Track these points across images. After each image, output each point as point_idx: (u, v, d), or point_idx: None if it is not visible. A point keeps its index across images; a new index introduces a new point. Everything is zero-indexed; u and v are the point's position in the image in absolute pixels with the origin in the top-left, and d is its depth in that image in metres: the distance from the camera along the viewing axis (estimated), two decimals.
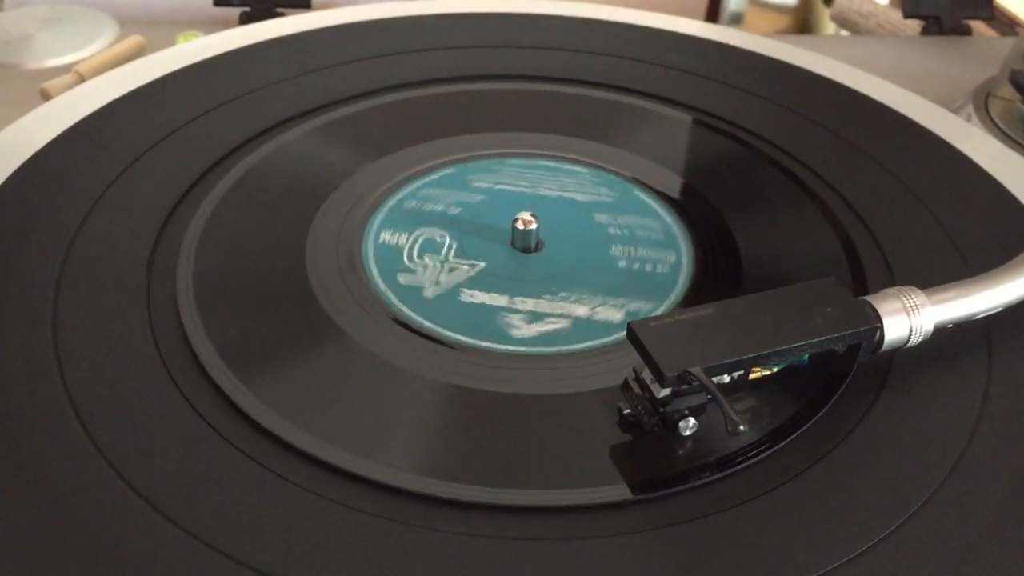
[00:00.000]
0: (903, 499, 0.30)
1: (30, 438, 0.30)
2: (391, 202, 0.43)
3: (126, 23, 0.68)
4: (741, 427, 0.28)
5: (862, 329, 0.32)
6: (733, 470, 0.30)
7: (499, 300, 0.38)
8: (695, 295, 0.39)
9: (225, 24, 0.70)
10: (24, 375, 0.32)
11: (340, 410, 0.33)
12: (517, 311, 0.37)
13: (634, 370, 0.32)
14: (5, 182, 0.42)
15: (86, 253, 0.38)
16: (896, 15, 0.80)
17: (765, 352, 0.30)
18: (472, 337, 0.36)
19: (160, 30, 0.66)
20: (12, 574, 0.26)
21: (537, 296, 0.38)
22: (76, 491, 0.28)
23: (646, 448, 0.31)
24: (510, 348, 0.36)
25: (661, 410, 0.31)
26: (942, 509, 0.29)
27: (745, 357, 0.30)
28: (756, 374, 0.32)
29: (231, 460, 0.30)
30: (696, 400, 0.31)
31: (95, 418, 0.31)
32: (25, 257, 0.38)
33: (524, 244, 0.40)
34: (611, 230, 0.42)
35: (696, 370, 0.29)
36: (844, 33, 0.88)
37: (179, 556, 0.27)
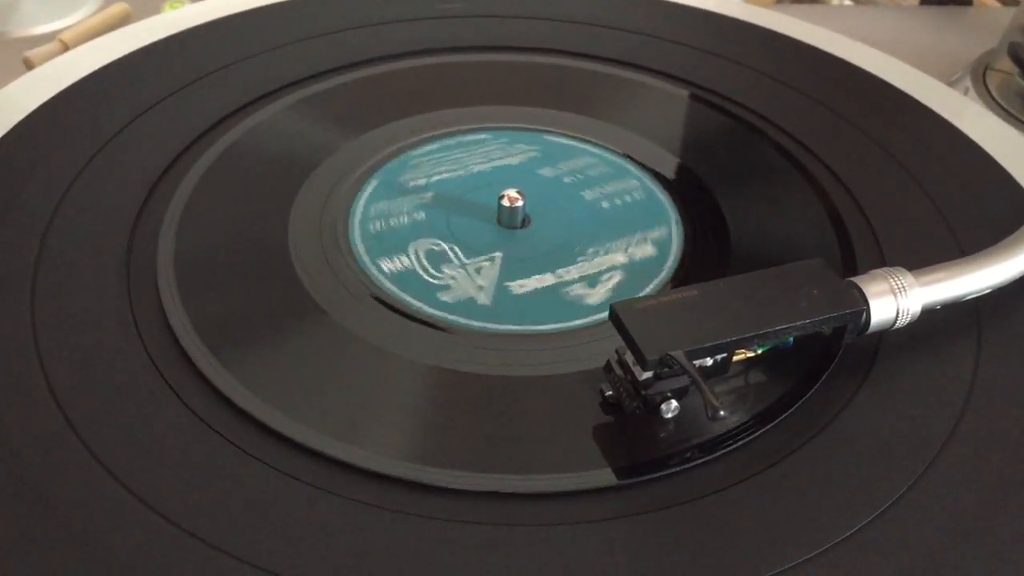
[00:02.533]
0: (889, 483, 0.30)
1: (3, 415, 0.30)
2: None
3: None
4: (721, 412, 0.28)
5: (848, 312, 0.31)
6: (717, 454, 0.30)
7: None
8: (684, 273, 0.38)
9: None
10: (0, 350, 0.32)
11: (319, 391, 0.32)
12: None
13: (616, 352, 0.31)
14: None
15: (66, 227, 0.38)
16: None
17: (749, 335, 0.30)
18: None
19: None
20: None
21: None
22: (48, 471, 0.28)
23: (628, 431, 0.31)
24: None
25: (643, 393, 0.30)
26: (928, 493, 0.29)
27: (728, 340, 0.30)
28: (740, 356, 0.32)
29: (207, 441, 0.30)
30: (679, 383, 0.30)
31: (70, 396, 0.31)
32: (5, 229, 0.37)
33: (510, 221, 0.40)
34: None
35: (677, 354, 0.29)
36: (847, 1, 0.87)
37: (152, 539, 0.27)
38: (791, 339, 0.32)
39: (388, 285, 0.37)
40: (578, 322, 0.36)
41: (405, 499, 0.29)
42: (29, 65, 0.54)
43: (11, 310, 0.34)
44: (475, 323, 0.35)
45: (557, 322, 0.36)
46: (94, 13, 0.62)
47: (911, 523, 0.28)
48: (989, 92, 0.55)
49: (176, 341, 0.33)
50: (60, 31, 0.59)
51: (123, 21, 0.60)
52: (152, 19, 0.53)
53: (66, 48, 0.56)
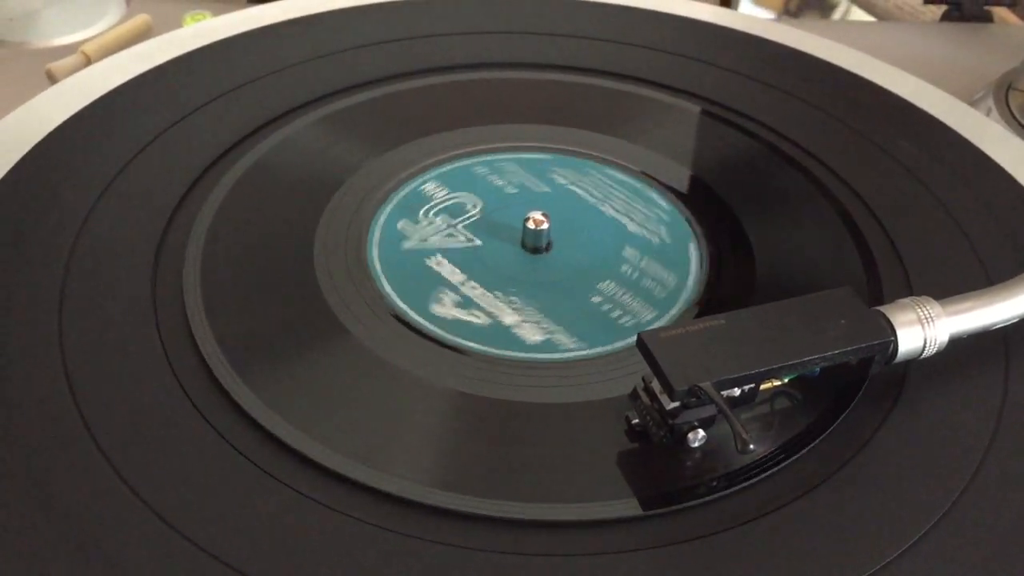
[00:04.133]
0: (918, 514, 0.29)
1: (32, 430, 0.30)
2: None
3: None
4: (751, 446, 0.28)
5: (876, 342, 0.31)
6: (744, 485, 0.30)
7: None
8: (707, 298, 0.38)
9: (232, 0, 0.69)
10: (28, 365, 0.32)
11: (341, 412, 0.32)
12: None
13: (643, 379, 0.31)
14: (14, 167, 0.41)
15: (93, 243, 0.38)
16: None
17: (777, 366, 0.30)
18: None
19: (166, 6, 0.65)
20: (5, 566, 0.26)
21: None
22: (73, 485, 0.29)
23: (655, 460, 0.31)
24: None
25: (670, 421, 0.30)
26: (957, 525, 0.29)
27: (756, 371, 0.30)
28: (767, 385, 0.32)
29: (229, 459, 0.30)
30: (706, 412, 0.30)
31: (95, 410, 0.31)
32: (34, 244, 0.37)
33: (535, 244, 0.40)
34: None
35: (706, 386, 0.28)
36: (862, 14, 0.87)
37: (170, 555, 0.27)
38: (817, 369, 0.32)
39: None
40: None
41: (424, 524, 0.29)
42: (52, 78, 0.54)
43: (39, 325, 0.34)
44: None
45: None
46: (116, 24, 0.63)
47: (942, 554, 0.28)
48: (1011, 112, 0.55)
49: (200, 356, 0.33)
50: (82, 42, 0.59)
51: (145, 33, 0.61)
52: (174, 33, 0.53)
53: (89, 60, 0.56)
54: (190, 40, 0.52)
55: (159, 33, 0.54)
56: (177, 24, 0.62)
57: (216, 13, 0.61)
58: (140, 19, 0.61)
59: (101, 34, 0.60)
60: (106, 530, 0.27)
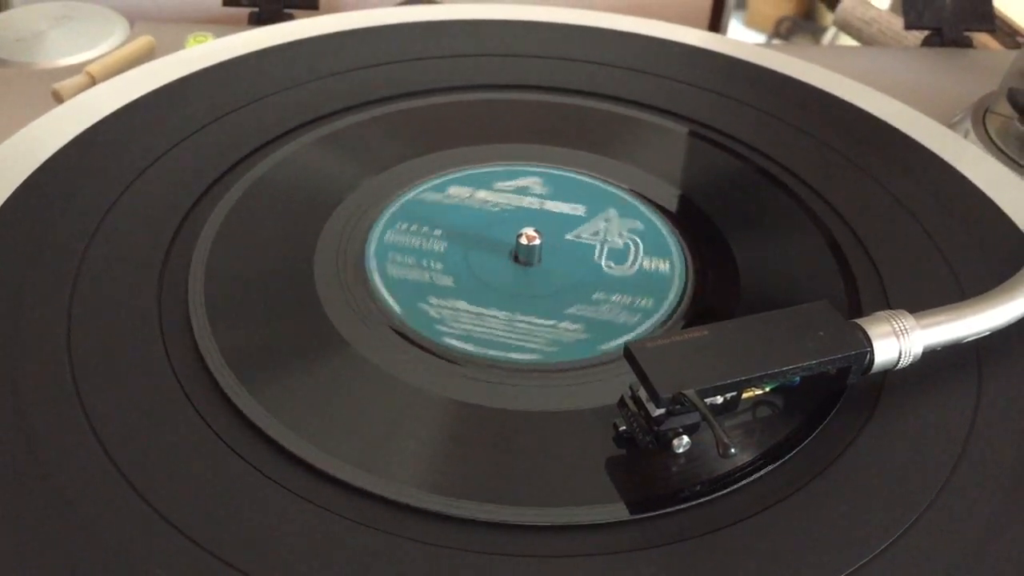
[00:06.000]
0: (894, 518, 0.31)
1: (41, 439, 0.31)
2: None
3: (135, 20, 0.68)
4: (732, 450, 0.29)
5: (852, 353, 0.33)
6: (726, 490, 0.31)
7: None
8: (692, 313, 0.40)
9: (234, 22, 0.70)
10: (38, 379, 0.33)
11: (340, 420, 0.34)
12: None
13: (630, 388, 0.32)
14: (21, 186, 0.42)
15: (99, 260, 0.39)
16: (899, 22, 0.80)
17: (757, 375, 0.31)
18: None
19: (169, 29, 0.67)
20: (15, 571, 0.27)
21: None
22: (82, 492, 0.30)
23: (641, 466, 0.32)
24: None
25: (655, 428, 0.32)
26: (931, 529, 0.30)
27: (737, 380, 0.31)
28: (749, 394, 0.33)
29: (233, 466, 0.31)
30: (690, 419, 0.32)
31: (104, 420, 0.32)
32: (40, 263, 0.39)
33: (526, 259, 0.41)
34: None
35: (690, 393, 0.30)
36: (847, 38, 0.89)
37: (177, 560, 0.28)
38: (797, 378, 0.33)
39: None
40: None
41: (418, 528, 0.30)
42: (58, 98, 0.55)
43: (47, 343, 0.35)
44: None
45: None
46: (120, 45, 0.64)
47: (913, 558, 0.30)
48: (989, 135, 0.57)
49: (205, 367, 0.35)
50: (86, 63, 0.60)
51: (149, 54, 0.62)
52: (177, 54, 0.54)
53: (94, 80, 0.57)
54: (193, 61, 0.53)
55: (162, 54, 0.55)
56: (180, 45, 0.63)
57: (218, 35, 0.62)
58: (144, 40, 0.63)
59: (106, 55, 0.62)
60: (113, 531, 0.28)
